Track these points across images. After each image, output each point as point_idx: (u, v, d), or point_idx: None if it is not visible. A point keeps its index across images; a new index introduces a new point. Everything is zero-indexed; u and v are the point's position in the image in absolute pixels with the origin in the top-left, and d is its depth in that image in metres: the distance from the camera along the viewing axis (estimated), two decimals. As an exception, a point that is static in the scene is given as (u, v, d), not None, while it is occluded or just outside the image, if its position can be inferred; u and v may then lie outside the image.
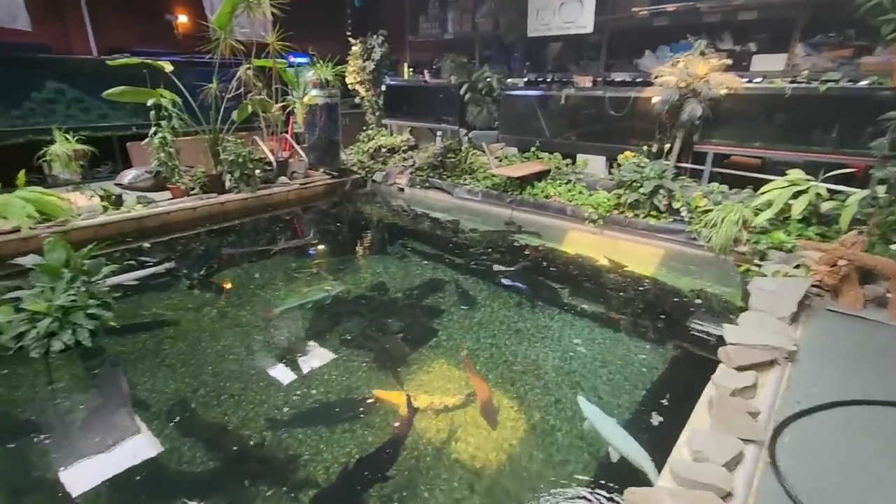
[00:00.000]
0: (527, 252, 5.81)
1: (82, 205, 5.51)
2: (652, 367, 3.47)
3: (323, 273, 5.19)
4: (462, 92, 8.23)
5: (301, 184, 7.62)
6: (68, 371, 3.33)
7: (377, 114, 9.94)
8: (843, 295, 3.69)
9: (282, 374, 3.38)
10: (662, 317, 4.29)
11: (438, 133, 8.76)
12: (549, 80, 8.10)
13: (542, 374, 3.37)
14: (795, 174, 4.84)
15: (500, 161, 7.70)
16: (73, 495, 2.40)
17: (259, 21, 6.89)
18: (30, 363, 3.34)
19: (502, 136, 8.21)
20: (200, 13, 9.21)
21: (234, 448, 2.70)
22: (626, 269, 5.23)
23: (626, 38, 7.53)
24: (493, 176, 7.20)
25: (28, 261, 3.59)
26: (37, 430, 2.82)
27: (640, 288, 4.88)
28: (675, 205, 5.51)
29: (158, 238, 5.84)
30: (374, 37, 9.26)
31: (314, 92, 7.73)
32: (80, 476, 2.51)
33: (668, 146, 6.13)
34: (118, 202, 5.68)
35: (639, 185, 5.64)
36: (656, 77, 5.96)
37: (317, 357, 3.57)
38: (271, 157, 7.47)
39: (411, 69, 10.53)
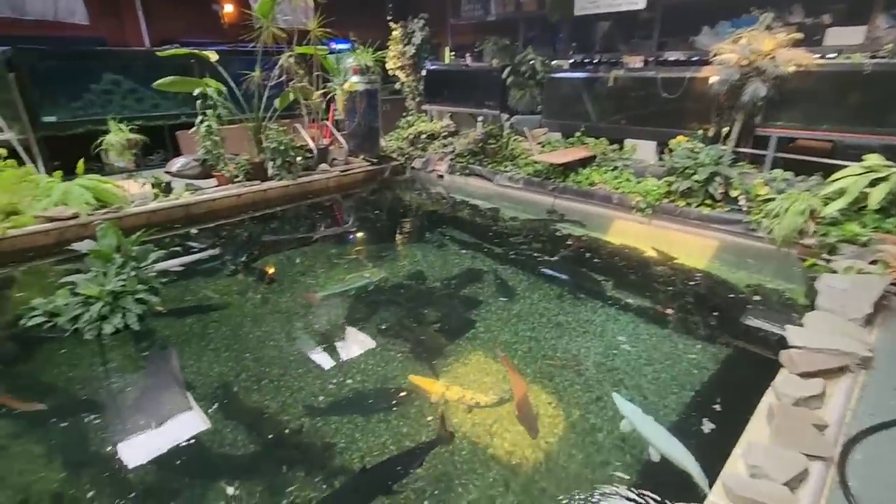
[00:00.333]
0: (569, 242, 5.61)
1: (135, 192, 5.77)
2: (702, 368, 3.26)
3: (362, 260, 5.22)
4: (504, 75, 7.99)
5: (341, 171, 7.67)
6: (121, 352, 3.50)
7: (417, 99, 9.85)
8: (928, 295, 3.32)
9: (319, 361, 3.41)
10: (715, 314, 4.02)
11: (479, 118, 8.58)
12: (596, 61, 7.73)
13: (582, 370, 3.24)
14: (874, 159, 4.37)
15: (543, 147, 7.45)
16: (124, 471, 2.51)
17: (301, 8, 6.93)
18: (85, 344, 3.52)
19: (545, 121, 7.93)
20: (245, 2, 9.35)
21: (273, 433, 2.74)
22: (675, 261, 4.95)
23: (681, 14, 7.03)
24: (535, 162, 6.97)
25: (83, 246, 3.78)
26: (92, 407, 2.97)
27: (691, 282, 4.60)
28: (733, 193, 5.14)
29: (205, 224, 6.04)
30: (415, 21, 9.13)
31: (354, 78, 7.72)
32: (130, 452, 2.62)
33: (725, 130, 5.71)
34: (168, 189, 5.91)
35: (692, 171, 5.30)
36: (715, 55, 5.54)
37: (354, 345, 3.59)
38: (312, 145, 7.55)
39: (453, 53, 10.33)
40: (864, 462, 2.09)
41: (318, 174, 7.41)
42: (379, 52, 7.98)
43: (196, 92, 6.22)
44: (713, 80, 5.54)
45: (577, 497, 2.31)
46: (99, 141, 5.68)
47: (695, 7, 6.85)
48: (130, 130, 5.87)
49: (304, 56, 7.35)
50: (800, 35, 5.30)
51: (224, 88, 6.50)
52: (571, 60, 7.99)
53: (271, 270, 4.89)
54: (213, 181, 6.65)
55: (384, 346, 3.55)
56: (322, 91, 7.72)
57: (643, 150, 6.69)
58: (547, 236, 5.83)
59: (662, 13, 7.10)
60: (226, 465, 2.56)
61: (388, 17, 9.42)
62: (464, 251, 5.35)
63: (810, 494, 1.92)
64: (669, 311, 4.08)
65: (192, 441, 2.70)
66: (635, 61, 7.06)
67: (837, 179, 4.48)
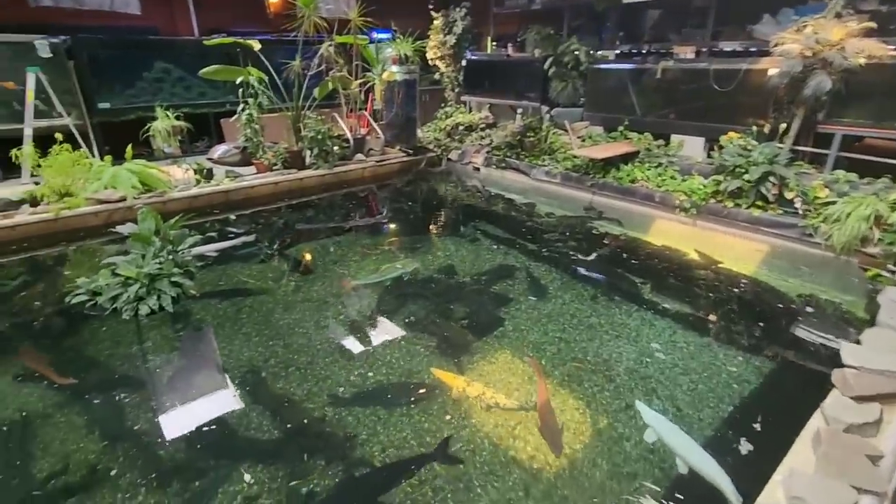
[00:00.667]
0: (606, 241, 5.42)
1: (179, 177, 5.99)
2: (743, 381, 3.06)
3: (394, 252, 5.22)
4: (546, 66, 7.77)
5: (377, 161, 7.70)
6: (157, 332, 3.63)
7: (456, 90, 9.74)
8: None
9: (346, 351, 3.43)
10: (761, 324, 3.78)
11: (519, 110, 8.39)
12: (644, 51, 7.40)
13: (613, 376, 3.12)
14: (953, 163, 3.97)
15: (583, 141, 7.21)
16: (155, 446, 2.60)
17: (343, -3, 6.94)
18: (123, 323, 3.68)
19: (587, 114, 7.67)
20: (290, -9, 9.50)
21: (297, 421, 2.78)
22: (720, 265, 4.69)
23: (740, 1, 6.60)
24: (575, 157, 6.76)
25: (125, 229, 3.95)
26: (129, 383, 3.10)
27: (736, 288, 4.34)
28: (788, 195, 4.80)
29: (243, 211, 6.22)
30: (457, 10, 9.00)
31: (393, 68, 7.70)
32: (161, 429, 2.72)
33: (783, 126, 5.34)
34: (209, 176, 6.10)
35: (743, 170, 4.99)
36: (776, 45, 5.17)
37: (381, 338, 3.58)
38: (349, 135, 7.61)
39: (494, 43, 10.14)
40: (924, 499, 1.90)
41: (353, 164, 7.47)
42: (419, 42, 7.92)
43: (238, 80, 6.36)
44: (772, 72, 5.19)
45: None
46: (146, 127, 5.91)
47: (755, -7, 6.42)
48: (176, 118, 6.07)
49: (345, 45, 7.38)
50: (873, 24, 4.85)
51: (265, 77, 6.61)
52: (618, 51, 7.67)
53: (308, 257, 4.97)
54: (252, 168, 6.82)
55: (411, 339, 3.54)
56: (361, 80, 7.75)
57: (691, 146, 6.36)
58: (583, 234, 5.65)
59: (718, 1, 6.68)
60: (250, 449, 2.61)
61: (430, 6, 9.31)
62: (497, 246, 5.26)
63: (860, 532, 1.76)
64: (710, 318, 3.87)
65: (220, 422, 2.77)
66: (686, 52, 6.70)
67: (909, 183, 4.11)
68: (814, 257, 4.48)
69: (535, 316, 3.83)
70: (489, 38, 10.19)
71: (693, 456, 2.44)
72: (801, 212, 4.72)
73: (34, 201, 5.22)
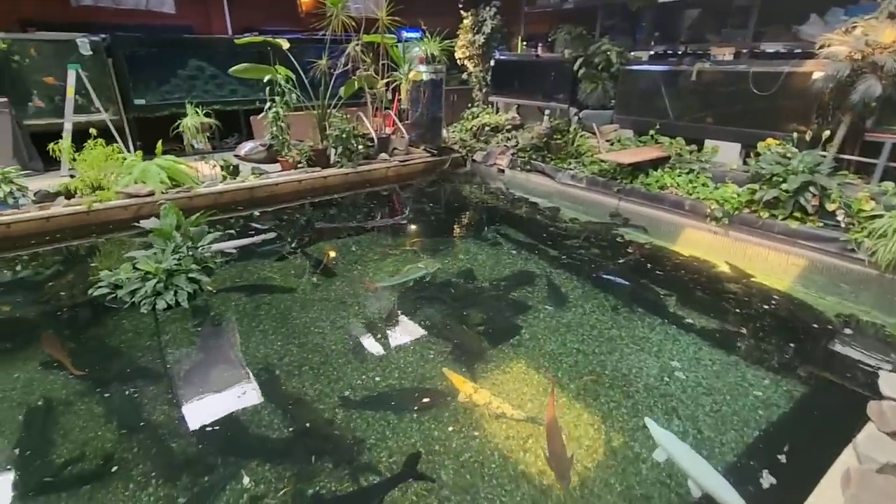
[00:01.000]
0: (630, 249, 5.25)
1: (206, 174, 6.11)
2: (771, 406, 2.90)
3: (413, 253, 5.18)
4: (576, 67, 7.59)
5: (401, 161, 7.69)
6: (174, 327, 3.68)
7: (484, 90, 9.64)
8: None
9: (360, 352, 3.42)
10: (793, 344, 3.57)
11: (546, 112, 8.24)
12: (680, 52, 7.14)
13: (631, 392, 3.00)
14: None
15: (612, 145, 7.02)
16: (169, 439, 2.65)
17: (372, -4, 6.95)
18: (143, 317, 3.76)
19: (617, 117, 7.46)
20: (321, -10, 9.58)
21: (307, 421, 2.78)
22: (752, 279, 4.47)
23: (784, 1, 6.27)
24: (602, 161, 6.58)
25: (148, 224, 4.03)
26: (147, 375, 3.16)
27: (768, 304, 4.12)
28: (829, 206, 4.53)
29: (266, 208, 6.30)
30: (487, 9, 8.90)
31: (420, 68, 7.67)
32: (175, 423, 2.77)
33: (826, 133, 5.04)
34: (235, 172, 6.21)
35: (781, 179, 4.73)
36: (821, 47, 4.88)
37: (395, 341, 3.56)
38: (373, 134, 7.62)
39: (525, 43, 9.99)
40: (970, 550, 1.73)
41: (377, 163, 7.48)
42: (447, 42, 7.86)
43: (266, 78, 6.45)
44: (817, 75, 4.92)
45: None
46: (177, 123, 6.05)
47: (801, -7, 6.09)
48: (206, 114, 6.20)
49: (372, 44, 7.39)
50: (931, 26, 4.53)
51: (293, 76, 6.68)
52: (652, 52, 7.43)
53: (331, 255, 4.98)
54: (277, 166, 6.91)
55: (425, 344, 3.50)
56: (387, 80, 7.75)
57: (725, 152, 6.10)
58: (607, 241, 5.49)
59: (762, 0, 6.38)
60: (260, 447, 2.62)
61: (460, 5, 9.24)
62: (517, 251, 5.17)
63: (894, 583, 1.61)
64: (739, 335, 3.68)
65: (232, 418, 2.80)
66: (724, 53, 6.43)
67: (966, 198, 3.81)
68: (855, 274, 4.22)
69: (554, 325, 3.73)
70: (520, 38, 10.04)
71: (708, 480, 2.32)
72: (843, 225, 4.44)
73: (69, 194, 5.42)
